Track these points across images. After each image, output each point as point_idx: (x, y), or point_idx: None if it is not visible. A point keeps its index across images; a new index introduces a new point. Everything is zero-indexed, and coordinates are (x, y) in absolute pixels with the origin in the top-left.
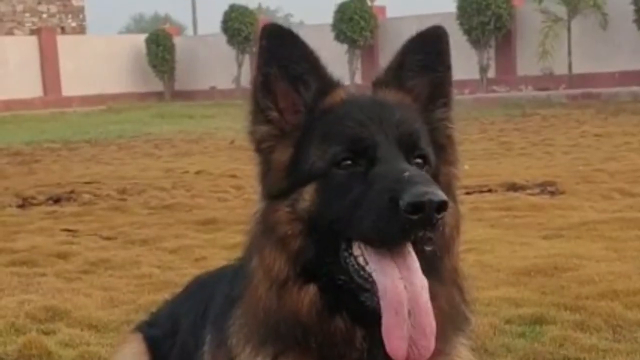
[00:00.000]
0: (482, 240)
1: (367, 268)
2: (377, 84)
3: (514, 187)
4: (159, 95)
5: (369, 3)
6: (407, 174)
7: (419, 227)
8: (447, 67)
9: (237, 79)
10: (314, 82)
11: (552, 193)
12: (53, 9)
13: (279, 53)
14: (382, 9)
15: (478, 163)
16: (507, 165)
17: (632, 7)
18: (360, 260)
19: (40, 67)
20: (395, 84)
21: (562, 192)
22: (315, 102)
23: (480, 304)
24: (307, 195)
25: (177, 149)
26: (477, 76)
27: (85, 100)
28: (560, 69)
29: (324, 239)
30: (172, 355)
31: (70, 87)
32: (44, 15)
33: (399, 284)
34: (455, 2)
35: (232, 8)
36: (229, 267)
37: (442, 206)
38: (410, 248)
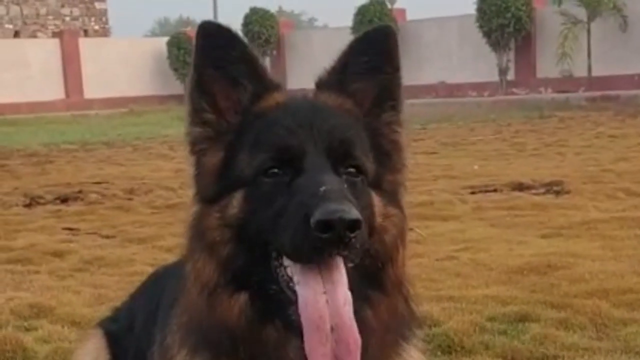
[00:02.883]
0: (480, 239)
1: (295, 280)
2: (319, 86)
3: (519, 187)
4: (179, 98)
5: (389, 6)
6: (323, 188)
7: (331, 246)
8: (395, 69)
9: None
10: (249, 84)
11: (557, 193)
12: (76, 11)
13: (214, 53)
14: (402, 12)
15: (488, 163)
16: (517, 165)
17: None
18: (289, 271)
19: (63, 70)
20: (336, 87)
21: (567, 192)
22: (250, 105)
23: (466, 302)
24: (236, 202)
25: None
26: (496, 78)
27: (107, 102)
28: (580, 72)
29: (254, 248)
30: (130, 351)
31: (92, 90)
32: (67, 18)
33: (320, 299)
34: (474, 4)
35: (253, 11)
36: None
37: (354, 225)
38: (338, 260)
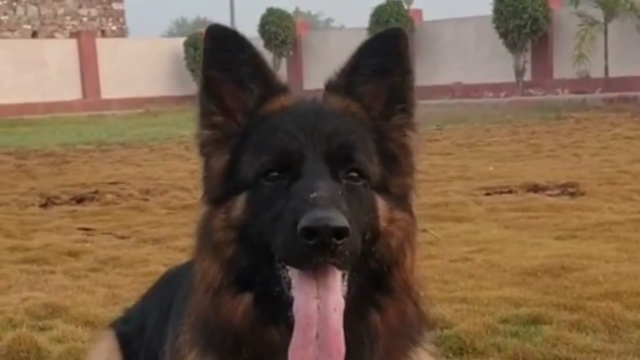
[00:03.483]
0: (494, 240)
1: (292, 283)
2: (328, 88)
3: (534, 188)
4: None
5: (406, 6)
6: (313, 195)
7: (317, 252)
8: (406, 71)
9: None
10: (256, 87)
11: (572, 194)
12: (94, 12)
13: (221, 56)
14: (419, 12)
15: (504, 165)
16: (533, 166)
17: None
18: (290, 274)
19: (80, 70)
20: (344, 90)
21: (582, 194)
22: (256, 108)
23: (479, 304)
24: (239, 204)
25: None
26: (513, 79)
27: (124, 103)
28: (597, 73)
29: (257, 249)
30: (141, 352)
31: (109, 90)
32: (85, 19)
33: (312, 304)
34: (491, 5)
35: (270, 12)
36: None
37: (340, 232)
38: (332, 266)
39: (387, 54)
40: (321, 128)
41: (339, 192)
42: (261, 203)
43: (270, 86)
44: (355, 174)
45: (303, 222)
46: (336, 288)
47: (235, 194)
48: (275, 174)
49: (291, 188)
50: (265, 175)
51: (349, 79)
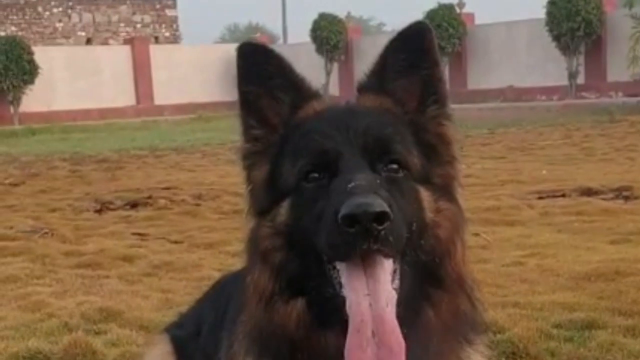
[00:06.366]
0: (547, 244)
1: (342, 282)
2: (360, 89)
3: (588, 192)
4: None
5: (458, 10)
6: (351, 184)
7: (360, 239)
8: (434, 63)
9: (325, 87)
10: (287, 95)
11: (626, 198)
12: (147, 19)
13: (253, 71)
14: (471, 16)
15: (557, 168)
16: (586, 170)
17: None
18: (340, 272)
19: (134, 76)
20: (376, 88)
21: (637, 197)
22: (290, 116)
23: (532, 308)
24: (283, 210)
25: None
26: (566, 82)
27: (177, 108)
28: None
29: (305, 253)
30: (196, 356)
31: (162, 96)
32: (138, 25)
33: (363, 302)
34: (544, 8)
35: (322, 17)
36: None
37: (381, 217)
38: (380, 258)
39: (413, 49)
40: (356, 125)
41: (378, 181)
42: (304, 205)
43: (301, 93)
44: (395, 166)
45: (343, 211)
46: (386, 280)
47: (279, 201)
48: (315, 175)
49: (331, 186)
50: (305, 178)
51: (379, 77)
